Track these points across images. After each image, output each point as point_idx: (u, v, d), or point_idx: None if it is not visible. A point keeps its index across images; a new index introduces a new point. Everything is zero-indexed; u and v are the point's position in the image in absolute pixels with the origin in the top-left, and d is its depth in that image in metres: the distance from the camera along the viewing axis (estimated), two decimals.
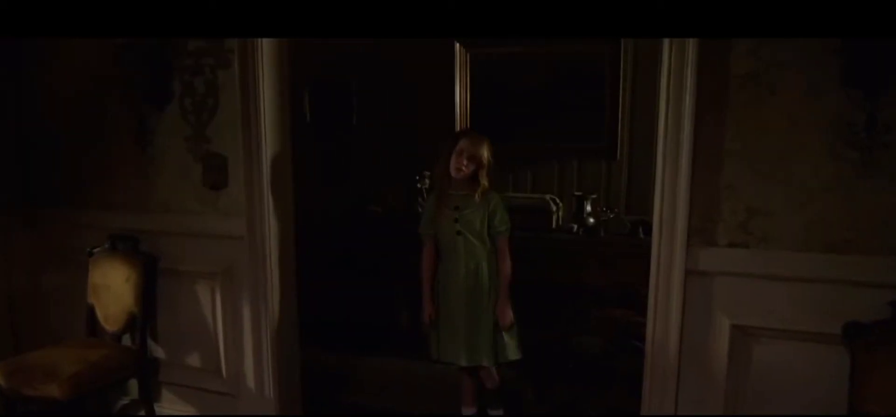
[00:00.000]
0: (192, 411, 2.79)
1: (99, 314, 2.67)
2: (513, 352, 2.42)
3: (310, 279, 2.95)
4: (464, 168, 2.32)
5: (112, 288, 2.62)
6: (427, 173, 3.98)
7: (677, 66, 1.95)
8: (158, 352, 2.79)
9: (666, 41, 1.97)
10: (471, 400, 2.62)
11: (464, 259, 2.37)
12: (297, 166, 2.64)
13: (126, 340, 2.66)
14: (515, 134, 3.85)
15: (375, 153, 4.22)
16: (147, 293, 2.61)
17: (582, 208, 3.48)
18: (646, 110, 3.52)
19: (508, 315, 2.38)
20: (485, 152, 2.33)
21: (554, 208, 3.54)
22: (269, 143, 2.46)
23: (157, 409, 2.75)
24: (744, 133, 1.92)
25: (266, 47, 2.40)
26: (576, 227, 3.47)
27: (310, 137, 3.89)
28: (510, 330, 2.40)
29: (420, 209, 3.93)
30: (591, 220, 3.43)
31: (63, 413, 2.31)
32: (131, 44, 2.57)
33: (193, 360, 2.75)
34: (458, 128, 3.99)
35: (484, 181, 2.35)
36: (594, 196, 3.55)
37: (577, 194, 3.58)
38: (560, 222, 3.58)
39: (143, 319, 2.60)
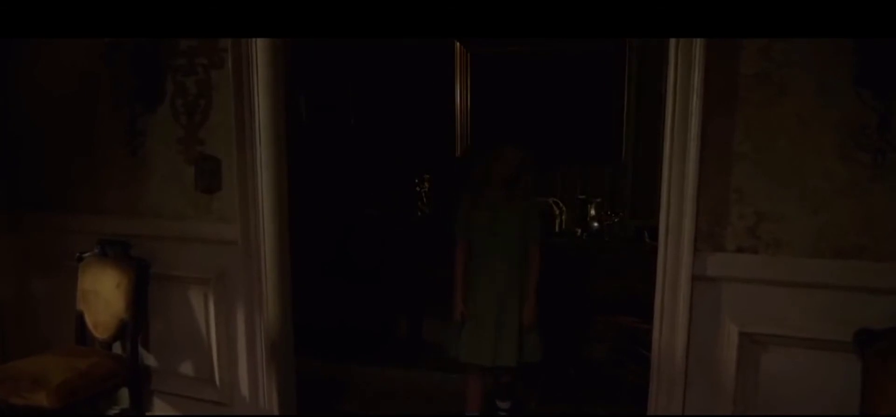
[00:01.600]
0: None
1: (88, 321, 2.63)
2: (535, 353, 2.51)
3: (305, 285, 2.90)
4: (508, 168, 2.46)
5: (102, 295, 2.57)
6: (427, 176, 3.94)
7: (684, 66, 1.92)
8: (150, 360, 2.75)
9: (672, 41, 1.94)
10: (476, 404, 2.65)
11: (497, 261, 2.47)
12: (292, 168, 2.59)
13: (116, 348, 2.61)
14: (517, 136, 3.78)
15: (373, 155, 4.17)
16: (138, 300, 2.56)
17: (586, 212, 3.44)
18: (652, 112, 3.48)
19: (533, 317, 2.47)
20: (526, 157, 2.50)
21: (557, 212, 3.50)
22: (263, 145, 2.42)
23: None
24: (753, 135, 1.89)
25: (260, 47, 2.36)
26: (579, 231, 3.44)
27: (306, 138, 3.84)
28: (533, 331, 2.49)
29: (419, 213, 3.89)
30: (596, 224, 3.40)
31: None
32: (121, 43, 2.53)
33: (186, 368, 2.71)
34: (457, 129, 3.97)
35: (523, 184, 2.49)
36: (598, 200, 3.51)
37: (580, 197, 3.54)
38: (563, 226, 3.54)
39: (134, 326, 2.55)
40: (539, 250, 2.50)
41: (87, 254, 2.64)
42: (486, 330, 2.47)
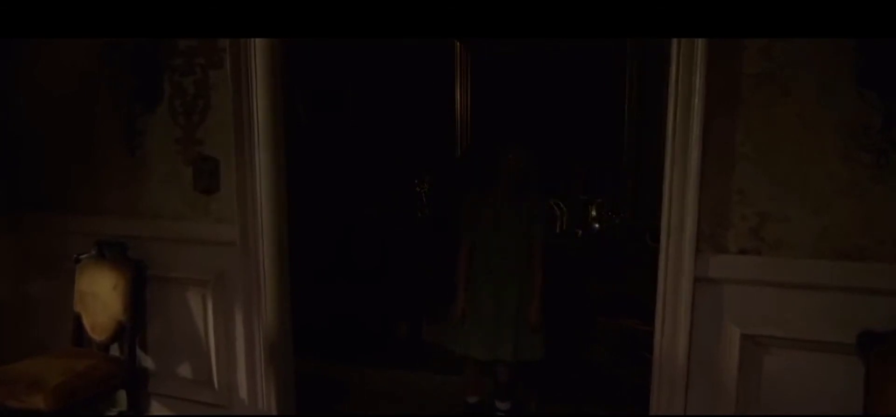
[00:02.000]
0: None
1: (86, 322, 2.61)
2: (536, 352, 2.53)
3: (304, 286, 2.89)
4: (515, 167, 2.50)
5: (99, 296, 2.56)
6: (427, 178, 3.93)
7: (686, 66, 1.91)
8: (148, 362, 2.73)
9: (674, 41, 1.93)
10: (475, 389, 2.70)
11: (500, 258, 2.50)
12: (291, 168, 2.58)
13: (114, 349, 2.60)
14: (518, 136, 3.78)
15: (373, 155, 4.15)
16: (136, 301, 2.54)
17: (587, 212, 3.43)
18: (653, 112, 3.46)
19: (537, 315, 2.49)
20: (532, 157, 2.55)
21: (558, 213, 3.49)
22: (262, 145, 2.40)
23: None
24: (755, 136, 1.87)
25: (259, 47, 2.35)
26: (580, 232, 3.42)
27: (305, 138, 3.82)
28: (536, 331, 2.50)
29: (419, 214, 3.88)
30: (597, 225, 3.38)
31: None
32: (120, 43, 2.52)
33: (184, 370, 2.69)
34: (457, 129, 3.96)
35: (529, 183, 2.52)
36: (599, 200, 3.50)
37: (581, 198, 3.53)
38: (564, 227, 3.53)
39: (132, 328, 2.54)
40: (542, 249, 2.52)
41: (84, 255, 2.63)
42: (485, 326, 2.50)
